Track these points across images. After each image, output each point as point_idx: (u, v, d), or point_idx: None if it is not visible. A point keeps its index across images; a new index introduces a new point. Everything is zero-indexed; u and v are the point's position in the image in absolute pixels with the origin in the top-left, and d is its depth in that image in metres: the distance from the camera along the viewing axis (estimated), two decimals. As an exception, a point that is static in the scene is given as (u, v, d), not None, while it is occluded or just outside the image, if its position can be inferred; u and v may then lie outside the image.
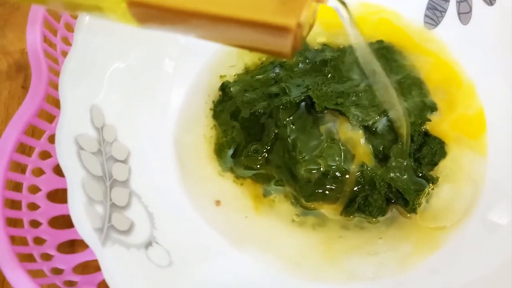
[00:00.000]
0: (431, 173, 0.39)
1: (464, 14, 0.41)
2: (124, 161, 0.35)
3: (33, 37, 0.39)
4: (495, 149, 0.39)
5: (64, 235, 0.40)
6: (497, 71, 0.40)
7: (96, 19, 0.34)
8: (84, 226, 0.29)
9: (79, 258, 0.39)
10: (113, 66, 0.36)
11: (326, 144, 0.38)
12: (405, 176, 0.38)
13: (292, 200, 0.39)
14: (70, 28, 0.45)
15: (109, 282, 0.28)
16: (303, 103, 0.39)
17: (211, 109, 0.42)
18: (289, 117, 0.39)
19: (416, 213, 0.37)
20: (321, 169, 0.37)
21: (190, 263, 0.34)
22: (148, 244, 0.32)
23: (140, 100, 0.38)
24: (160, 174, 0.38)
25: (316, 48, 0.43)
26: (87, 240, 0.29)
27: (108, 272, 0.29)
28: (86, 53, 0.34)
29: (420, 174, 0.38)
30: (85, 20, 0.34)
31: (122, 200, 0.33)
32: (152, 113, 0.39)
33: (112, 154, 0.35)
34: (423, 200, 0.38)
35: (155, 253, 0.32)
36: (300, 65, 0.42)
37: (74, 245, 0.41)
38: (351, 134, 0.39)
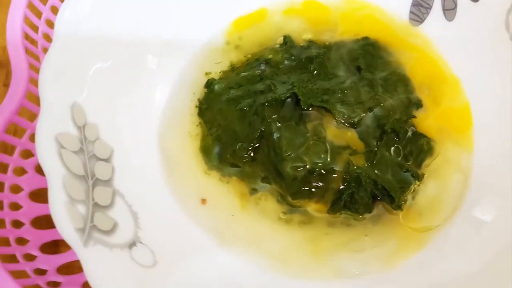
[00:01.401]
0: (417, 169, 0.39)
1: (449, 11, 0.41)
2: (107, 160, 0.35)
3: (13, 33, 0.38)
4: (481, 145, 0.39)
5: (47, 235, 0.39)
6: (482, 67, 0.40)
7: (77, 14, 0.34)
8: (65, 226, 0.29)
9: (62, 258, 0.39)
10: (95, 64, 0.35)
11: (312, 142, 0.38)
12: (390, 173, 0.38)
13: (279, 198, 0.39)
14: (51, 24, 0.44)
15: (91, 283, 0.28)
16: (288, 100, 0.39)
17: (196, 106, 0.42)
18: (274, 115, 0.39)
19: (401, 209, 0.38)
20: (307, 166, 0.37)
21: (175, 263, 0.33)
22: (132, 244, 0.32)
23: (123, 98, 0.37)
24: (144, 172, 0.37)
25: (301, 45, 0.43)
26: (68, 241, 0.29)
27: (90, 273, 0.28)
28: (67, 50, 0.34)
29: (406, 171, 0.38)
30: (65, 16, 0.34)
31: (105, 200, 0.33)
32: (136, 111, 0.38)
33: (95, 152, 0.34)
34: (409, 197, 0.38)
35: (139, 253, 0.32)
36: (286, 62, 0.42)
37: (58, 245, 0.41)
38: (337, 131, 0.39)
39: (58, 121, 0.32)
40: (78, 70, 0.34)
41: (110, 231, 0.31)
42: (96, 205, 0.32)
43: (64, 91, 0.33)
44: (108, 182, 0.34)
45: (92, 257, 0.29)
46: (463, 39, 0.41)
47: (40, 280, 0.36)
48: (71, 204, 0.30)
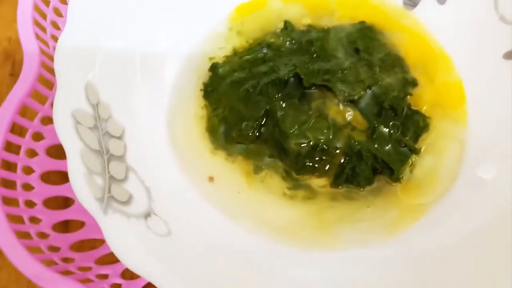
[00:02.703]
0: (414, 144, 0.40)
1: (441, -5, 0.44)
2: (119, 138, 0.36)
3: (24, 18, 0.39)
4: (475, 119, 0.41)
5: (58, 215, 0.40)
6: (473, 47, 0.42)
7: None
8: (86, 195, 0.30)
9: (74, 237, 0.40)
10: (107, 44, 0.36)
11: (314, 119, 0.40)
12: (389, 147, 0.39)
13: (283, 174, 0.41)
14: (58, 12, 0.45)
15: (112, 247, 0.29)
16: (291, 80, 0.41)
17: (201, 89, 0.44)
18: (278, 94, 0.40)
19: (400, 182, 0.39)
20: (311, 142, 0.39)
21: (188, 233, 0.35)
22: (147, 215, 0.33)
23: (134, 79, 0.39)
24: (154, 151, 0.39)
25: (301, 29, 0.45)
26: (89, 208, 0.30)
27: (110, 238, 0.30)
28: (80, 30, 0.35)
29: (404, 146, 0.40)
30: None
31: (119, 174, 0.34)
32: (146, 91, 0.40)
33: (108, 130, 0.35)
34: (408, 171, 0.40)
35: (154, 223, 0.33)
36: (287, 45, 0.44)
37: (68, 226, 0.42)
38: (338, 109, 0.40)
39: (74, 98, 0.33)
40: (91, 50, 0.35)
41: (126, 202, 0.32)
42: (112, 178, 0.33)
43: (78, 71, 0.34)
44: (121, 158, 0.35)
45: (111, 224, 0.30)
46: (454, 21, 0.43)
47: (55, 256, 0.37)
48: (89, 176, 0.31)
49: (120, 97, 0.37)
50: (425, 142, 0.41)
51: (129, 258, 0.29)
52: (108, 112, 0.36)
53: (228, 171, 0.41)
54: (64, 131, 0.32)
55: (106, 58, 0.37)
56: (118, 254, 0.29)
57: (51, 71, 0.37)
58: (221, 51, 0.45)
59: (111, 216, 0.30)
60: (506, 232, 0.33)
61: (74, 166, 0.31)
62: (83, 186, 0.30)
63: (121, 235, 0.30)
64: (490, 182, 0.37)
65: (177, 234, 0.34)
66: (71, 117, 0.33)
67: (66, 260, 0.38)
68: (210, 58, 0.45)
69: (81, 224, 0.41)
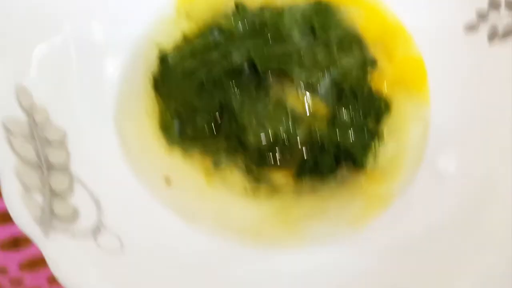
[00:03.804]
0: (376, 128, 0.39)
1: (398, -34, 0.41)
2: (61, 144, 0.33)
3: None
4: (437, 98, 0.39)
5: (4, 231, 0.37)
6: (433, 19, 0.40)
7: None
8: (23, 217, 0.27)
9: (24, 254, 0.37)
10: (38, 41, 0.33)
11: (273, 108, 0.37)
12: (351, 134, 0.38)
13: (244, 169, 0.38)
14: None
15: (56, 274, 0.27)
16: (246, 68, 0.38)
17: (150, 81, 0.40)
18: (232, 83, 0.38)
19: (364, 169, 0.38)
20: (270, 134, 0.37)
21: (143, 247, 0.32)
22: (96, 231, 0.31)
23: (72, 77, 0.35)
24: (102, 154, 0.36)
25: (254, 10, 0.42)
26: (28, 232, 0.27)
27: (54, 263, 0.27)
28: (6, 29, 0.31)
29: (366, 131, 0.38)
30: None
31: (62, 186, 0.31)
32: (87, 90, 0.36)
33: (46, 137, 0.32)
34: (371, 159, 0.38)
35: (105, 239, 0.31)
36: (240, 28, 0.41)
37: (17, 241, 0.39)
38: (297, 96, 0.38)
39: (3, 105, 0.30)
40: (20, 49, 0.32)
41: (71, 219, 0.30)
42: (53, 192, 0.30)
43: (6, 73, 0.31)
44: (64, 168, 0.32)
45: (55, 247, 0.27)
46: (413, -5, 0.41)
47: (3, 279, 0.34)
48: (26, 194, 0.28)
49: (58, 98, 0.34)
50: (388, 125, 0.40)
51: (79, 285, 0.26)
52: (46, 116, 0.33)
53: (186, 169, 0.39)
54: (-6, 145, 0.28)
55: (36, 57, 0.33)
56: (65, 281, 0.26)
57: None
58: (169, 38, 0.42)
59: (53, 238, 0.28)
60: (469, 224, 0.32)
61: (8, 184, 0.28)
62: (19, 206, 0.27)
63: (67, 259, 0.27)
64: (452, 173, 0.36)
65: (131, 249, 0.31)
66: (2, 128, 0.29)
67: (16, 281, 0.35)
68: (158, 46, 0.41)
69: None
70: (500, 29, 0.38)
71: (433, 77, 0.40)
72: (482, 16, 0.38)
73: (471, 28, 0.39)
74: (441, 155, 0.37)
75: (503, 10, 0.37)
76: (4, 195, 0.28)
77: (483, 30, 0.38)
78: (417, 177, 0.37)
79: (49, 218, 0.28)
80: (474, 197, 0.34)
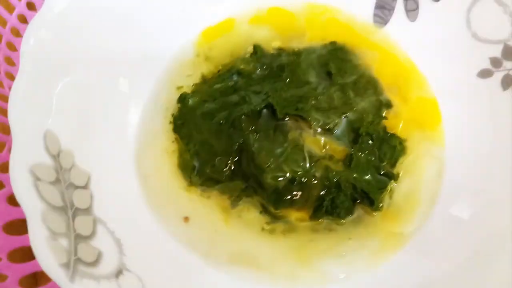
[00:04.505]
0: (392, 169, 0.40)
1: (412, 11, 0.42)
2: (85, 187, 0.34)
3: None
4: (452, 138, 0.40)
5: (26, 268, 0.38)
6: (446, 64, 0.41)
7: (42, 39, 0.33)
8: (49, 263, 0.28)
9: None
10: (65, 91, 0.34)
11: (290, 150, 0.38)
12: (368, 176, 0.38)
13: (261, 209, 0.39)
14: (12, 47, 0.42)
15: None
16: (264, 111, 0.39)
17: (170, 122, 0.41)
18: (251, 126, 0.39)
19: (380, 210, 0.38)
20: (287, 175, 0.38)
21: (163, 286, 0.33)
22: (118, 273, 0.31)
23: (96, 122, 0.37)
24: (124, 195, 0.37)
25: (271, 52, 0.43)
26: (54, 278, 0.28)
27: (79, 308, 0.28)
28: (35, 78, 0.32)
29: (382, 172, 0.39)
30: (30, 42, 0.33)
31: (86, 229, 0.32)
32: (110, 134, 0.37)
33: (72, 180, 0.33)
34: (387, 197, 0.39)
35: (127, 281, 0.31)
36: (258, 71, 0.42)
37: (37, 277, 0.39)
38: (314, 138, 0.39)
39: (32, 152, 0.31)
40: (48, 97, 0.33)
41: (95, 262, 0.30)
42: (78, 236, 0.31)
43: (35, 120, 0.32)
44: (88, 210, 0.33)
45: (80, 292, 0.28)
46: (427, 38, 0.42)
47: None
48: (52, 239, 0.29)
49: (83, 142, 0.35)
50: (403, 165, 0.40)
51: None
52: (71, 161, 0.34)
53: (204, 208, 0.39)
54: (23, 191, 0.30)
55: (63, 103, 0.34)
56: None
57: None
58: (189, 79, 0.43)
59: (79, 283, 0.28)
60: (482, 270, 0.32)
61: (35, 230, 0.29)
62: (46, 252, 0.28)
63: (91, 303, 0.28)
64: (466, 220, 0.36)
65: (153, 289, 0.32)
66: (30, 174, 0.30)
67: (36, 318, 0.35)
68: (178, 88, 0.43)
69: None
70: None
71: (447, 118, 0.41)
72: (496, 64, 0.39)
73: (485, 74, 0.40)
74: (455, 200, 0.37)
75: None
76: (31, 240, 0.28)
77: (497, 77, 0.39)
78: (432, 218, 0.37)
79: (74, 262, 0.29)
80: (487, 245, 0.34)
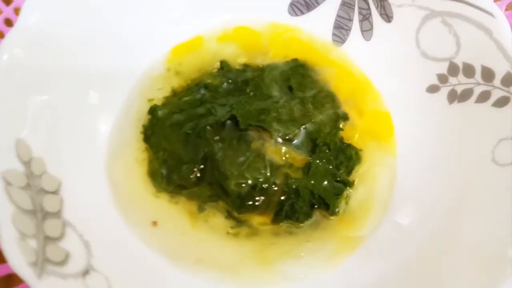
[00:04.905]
0: (348, 177, 0.42)
1: (367, 32, 0.46)
2: (55, 192, 0.36)
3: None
4: (403, 150, 0.43)
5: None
6: (399, 80, 0.44)
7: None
8: (18, 262, 0.30)
9: (16, 293, 0.39)
10: (36, 101, 0.36)
11: (252, 159, 0.41)
12: (325, 182, 0.41)
13: (226, 214, 0.41)
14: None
15: (47, 313, 0.29)
16: (228, 122, 0.42)
17: (141, 132, 0.44)
18: (216, 136, 0.41)
19: (337, 215, 0.41)
20: (250, 182, 0.40)
21: (130, 287, 0.35)
22: (85, 273, 0.33)
23: (67, 131, 0.39)
24: (94, 201, 0.39)
25: (237, 68, 0.46)
26: (22, 275, 0.30)
27: (45, 304, 0.29)
28: (6, 88, 0.35)
29: (339, 179, 0.42)
30: (3, 58, 0.35)
31: (55, 231, 0.34)
32: (81, 142, 0.39)
33: (42, 186, 0.35)
34: (343, 203, 0.42)
35: (94, 280, 0.33)
36: (224, 85, 0.45)
37: (10, 280, 0.41)
38: (274, 148, 0.42)
39: (3, 158, 0.33)
40: (20, 107, 0.35)
41: (62, 262, 0.32)
42: (47, 237, 0.33)
43: (6, 129, 0.34)
44: (57, 214, 0.35)
45: (46, 288, 0.30)
46: (381, 56, 0.45)
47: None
48: (22, 240, 0.31)
49: (54, 150, 0.37)
50: (358, 173, 0.43)
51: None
52: (42, 168, 0.36)
53: (172, 213, 0.42)
54: (-6, 195, 0.31)
55: (34, 113, 0.36)
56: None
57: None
58: (160, 92, 0.46)
59: (46, 280, 0.30)
60: (422, 269, 0.35)
61: (5, 231, 0.31)
62: (15, 252, 0.30)
63: (57, 300, 0.30)
64: (406, 225, 0.39)
65: (119, 289, 0.34)
66: (1, 179, 0.32)
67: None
68: (149, 100, 0.45)
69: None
70: (459, 91, 0.42)
71: (399, 130, 0.44)
72: (442, 80, 0.42)
73: (433, 89, 0.43)
74: (401, 206, 0.40)
75: (460, 76, 0.41)
76: (2, 241, 0.30)
77: (444, 92, 0.42)
78: (383, 222, 0.40)
79: (42, 261, 0.31)
80: (429, 247, 0.37)
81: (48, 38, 0.37)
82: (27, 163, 0.35)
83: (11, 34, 0.36)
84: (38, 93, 0.36)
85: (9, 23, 0.47)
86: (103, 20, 0.42)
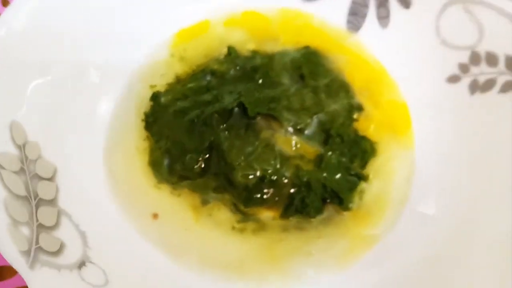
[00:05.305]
0: (362, 170, 0.40)
1: (383, 18, 0.43)
2: (50, 179, 0.34)
3: None
4: (421, 142, 0.41)
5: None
6: (417, 69, 0.42)
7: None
8: (9, 250, 0.28)
9: (8, 285, 0.37)
10: (34, 80, 0.34)
11: (261, 149, 0.38)
12: (338, 176, 0.39)
13: (231, 207, 0.39)
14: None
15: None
16: (236, 110, 0.39)
17: (142, 120, 0.41)
18: (223, 124, 0.39)
19: (350, 210, 0.39)
20: (258, 173, 0.38)
21: (128, 281, 0.32)
22: (81, 264, 0.31)
23: (65, 114, 0.36)
24: (91, 190, 0.36)
25: (246, 54, 0.44)
26: (14, 264, 0.27)
27: (38, 296, 0.27)
28: (3, 67, 0.32)
29: (352, 173, 0.39)
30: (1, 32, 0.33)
31: (50, 220, 0.31)
32: (79, 127, 0.37)
33: (37, 172, 0.33)
34: (357, 198, 0.39)
35: (90, 272, 0.31)
36: (231, 72, 0.42)
37: (2, 272, 0.38)
38: (285, 138, 0.39)
39: (-4, 141, 0.31)
40: (16, 87, 0.33)
41: (57, 252, 0.30)
42: (40, 226, 0.30)
43: (1, 110, 0.32)
44: (52, 202, 0.33)
45: (39, 280, 0.28)
46: (398, 44, 0.43)
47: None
48: (14, 227, 0.28)
49: (51, 134, 0.35)
50: (373, 167, 0.40)
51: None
52: (37, 152, 0.34)
53: (174, 206, 0.39)
54: (-16, 179, 0.29)
55: (33, 94, 0.34)
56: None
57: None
58: (163, 78, 0.43)
59: (38, 270, 0.28)
60: (447, 265, 0.33)
61: (-4, 217, 0.28)
62: (6, 239, 0.28)
63: (50, 292, 0.27)
64: (433, 214, 0.37)
65: (116, 283, 0.31)
66: (-7, 162, 0.30)
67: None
68: (152, 86, 0.43)
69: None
70: (481, 82, 0.39)
71: (417, 122, 0.42)
72: (464, 70, 0.40)
73: (454, 79, 0.41)
74: (423, 197, 0.38)
75: (483, 65, 0.39)
76: (-8, 227, 0.28)
77: (465, 82, 0.40)
78: (401, 218, 0.38)
79: (35, 250, 0.28)
80: (455, 238, 0.34)
81: (49, 15, 0.35)
82: (21, 147, 0.32)
83: (9, 10, 0.34)
84: (37, 73, 0.34)
85: (5, 2, 0.45)
86: (108, 1, 0.40)
